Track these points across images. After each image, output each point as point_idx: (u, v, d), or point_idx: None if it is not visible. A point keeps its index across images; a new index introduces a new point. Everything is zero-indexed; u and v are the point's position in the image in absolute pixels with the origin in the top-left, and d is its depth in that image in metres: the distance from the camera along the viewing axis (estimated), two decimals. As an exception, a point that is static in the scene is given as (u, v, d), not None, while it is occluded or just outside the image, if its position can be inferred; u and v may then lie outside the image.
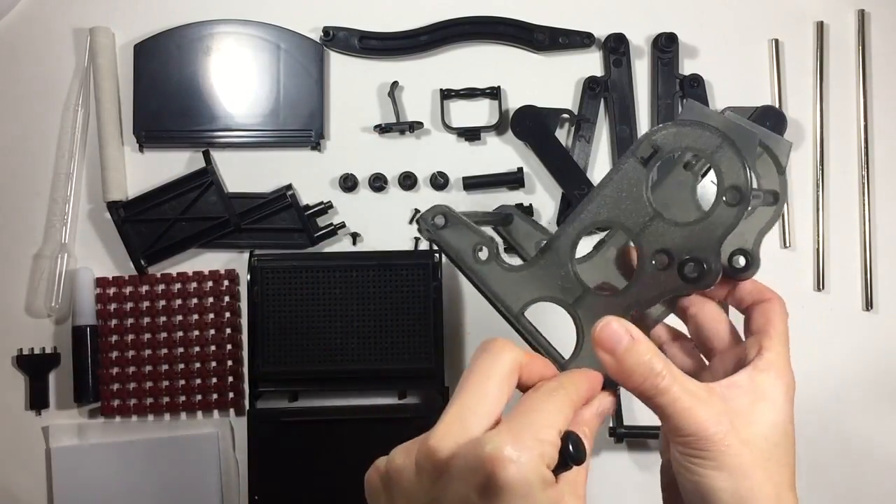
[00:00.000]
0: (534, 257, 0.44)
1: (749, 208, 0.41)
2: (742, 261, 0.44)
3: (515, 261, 0.48)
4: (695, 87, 0.80)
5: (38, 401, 0.78)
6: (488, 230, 0.51)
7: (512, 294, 0.43)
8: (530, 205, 0.80)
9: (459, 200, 0.80)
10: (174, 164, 0.81)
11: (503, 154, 0.81)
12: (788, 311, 0.44)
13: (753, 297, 0.44)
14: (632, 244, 0.44)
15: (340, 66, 0.82)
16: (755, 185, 0.42)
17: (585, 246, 0.46)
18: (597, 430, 0.40)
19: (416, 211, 0.80)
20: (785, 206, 0.81)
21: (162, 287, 0.79)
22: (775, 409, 0.41)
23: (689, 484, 0.40)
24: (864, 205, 0.80)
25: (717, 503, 0.39)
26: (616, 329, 0.39)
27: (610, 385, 0.41)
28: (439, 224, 0.44)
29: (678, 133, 0.41)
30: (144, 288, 0.79)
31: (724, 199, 0.40)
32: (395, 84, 0.81)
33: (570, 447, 0.35)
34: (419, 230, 0.44)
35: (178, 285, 0.79)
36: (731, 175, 0.40)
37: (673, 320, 0.48)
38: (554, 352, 0.44)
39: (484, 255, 0.44)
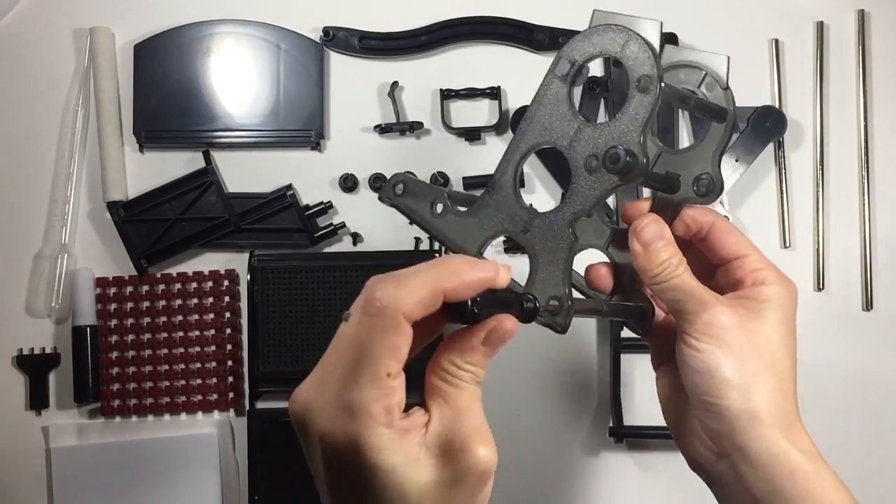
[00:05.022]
0: (481, 196, 0.46)
1: (681, 111, 0.43)
2: (705, 183, 0.46)
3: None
4: (695, 87, 0.80)
5: (38, 401, 0.78)
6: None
7: (469, 238, 0.45)
8: (530, 204, 0.80)
9: (459, 200, 0.80)
10: (174, 164, 0.81)
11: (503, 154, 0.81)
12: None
13: (699, 223, 0.47)
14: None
15: (340, 66, 0.82)
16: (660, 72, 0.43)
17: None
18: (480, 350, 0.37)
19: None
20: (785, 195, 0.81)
21: (162, 287, 0.79)
22: (771, 322, 0.44)
23: (698, 364, 0.43)
24: (864, 205, 0.80)
25: (721, 379, 0.42)
26: (655, 229, 0.44)
27: (525, 315, 0.40)
28: (399, 192, 0.47)
29: (586, 39, 0.43)
30: (144, 288, 0.79)
31: (636, 87, 0.41)
32: (395, 84, 0.81)
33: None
34: (381, 199, 0.48)
35: (178, 285, 0.79)
36: (639, 65, 0.41)
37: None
38: (519, 289, 0.45)
39: (439, 208, 0.46)
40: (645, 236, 0.44)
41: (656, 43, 0.44)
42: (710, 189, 0.46)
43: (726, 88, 0.47)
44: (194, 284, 0.79)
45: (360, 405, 0.34)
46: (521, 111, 0.79)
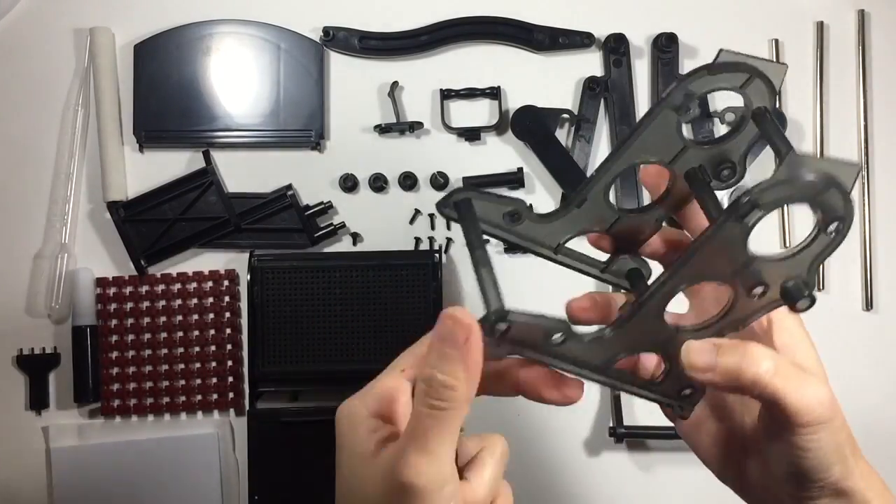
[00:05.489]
0: (568, 203, 0.45)
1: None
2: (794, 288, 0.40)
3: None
4: (695, 87, 0.80)
5: (38, 401, 0.78)
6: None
7: (550, 237, 0.45)
8: (530, 205, 0.80)
9: (459, 200, 0.80)
10: (174, 164, 0.81)
11: (503, 154, 0.81)
12: None
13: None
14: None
15: (340, 66, 0.82)
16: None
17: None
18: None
19: (417, 211, 0.80)
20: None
21: (162, 287, 0.79)
22: (790, 328, 0.42)
23: (798, 459, 0.39)
24: (864, 205, 0.80)
25: (820, 459, 0.39)
26: (700, 347, 0.39)
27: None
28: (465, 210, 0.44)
29: (711, 78, 0.42)
30: (144, 288, 0.79)
31: (821, 226, 0.38)
32: (395, 84, 0.81)
33: None
34: (442, 212, 0.43)
35: (178, 285, 0.79)
36: (831, 205, 0.37)
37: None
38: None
39: (515, 218, 0.46)
40: (697, 362, 0.39)
41: (778, 84, 0.43)
42: (800, 294, 0.39)
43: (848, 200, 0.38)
44: (194, 284, 0.79)
45: (365, 390, 0.38)
46: (522, 111, 0.79)
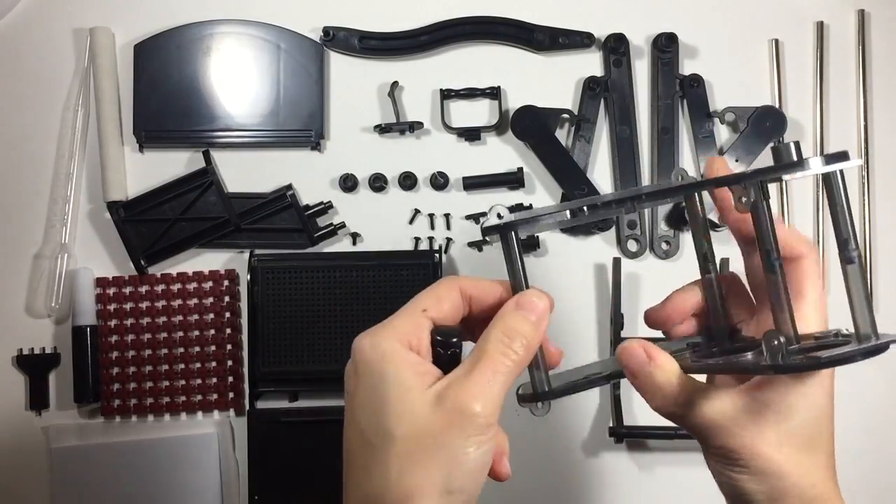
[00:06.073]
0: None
1: None
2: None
3: None
4: (695, 87, 0.80)
5: (38, 401, 0.78)
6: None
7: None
8: (530, 205, 0.80)
9: (460, 200, 0.80)
10: (174, 164, 0.81)
11: (503, 154, 0.81)
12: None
13: (785, 250, 0.41)
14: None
15: (340, 66, 0.82)
16: None
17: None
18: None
19: (417, 211, 0.80)
20: (785, 206, 0.81)
21: (162, 287, 0.79)
22: (813, 395, 0.40)
23: (724, 486, 0.41)
24: (864, 205, 0.80)
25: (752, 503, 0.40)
26: (638, 355, 0.42)
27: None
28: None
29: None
30: (144, 288, 0.79)
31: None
32: (395, 84, 0.81)
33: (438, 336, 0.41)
34: (488, 236, 0.45)
35: (178, 285, 0.79)
36: None
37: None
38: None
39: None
40: (630, 364, 0.42)
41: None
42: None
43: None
44: (194, 284, 0.79)
45: (392, 326, 0.41)
46: (522, 111, 0.79)
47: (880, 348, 0.38)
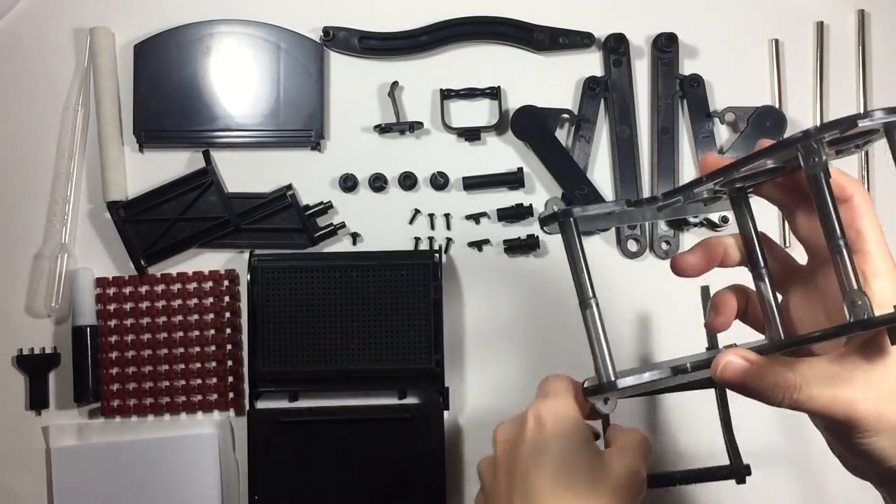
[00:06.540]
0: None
1: None
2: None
3: None
4: (695, 87, 0.80)
5: (38, 401, 0.78)
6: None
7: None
8: (530, 205, 0.80)
9: (460, 200, 0.80)
10: (174, 164, 0.81)
11: (503, 154, 0.81)
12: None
13: (836, 193, 0.41)
14: None
15: (340, 66, 0.82)
16: None
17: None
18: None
19: (417, 211, 0.80)
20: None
21: (162, 287, 0.79)
22: None
23: (866, 470, 0.43)
24: (864, 205, 0.80)
25: (888, 461, 0.41)
26: (734, 362, 0.42)
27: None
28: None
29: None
30: (144, 288, 0.79)
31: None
32: (395, 84, 0.81)
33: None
34: (546, 225, 0.48)
35: (178, 285, 0.79)
36: None
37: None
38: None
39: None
40: (728, 375, 0.42)
41: None
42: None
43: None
44: (194, 284, 0.79)
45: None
46: (522, 111, 0.79)
47: None
